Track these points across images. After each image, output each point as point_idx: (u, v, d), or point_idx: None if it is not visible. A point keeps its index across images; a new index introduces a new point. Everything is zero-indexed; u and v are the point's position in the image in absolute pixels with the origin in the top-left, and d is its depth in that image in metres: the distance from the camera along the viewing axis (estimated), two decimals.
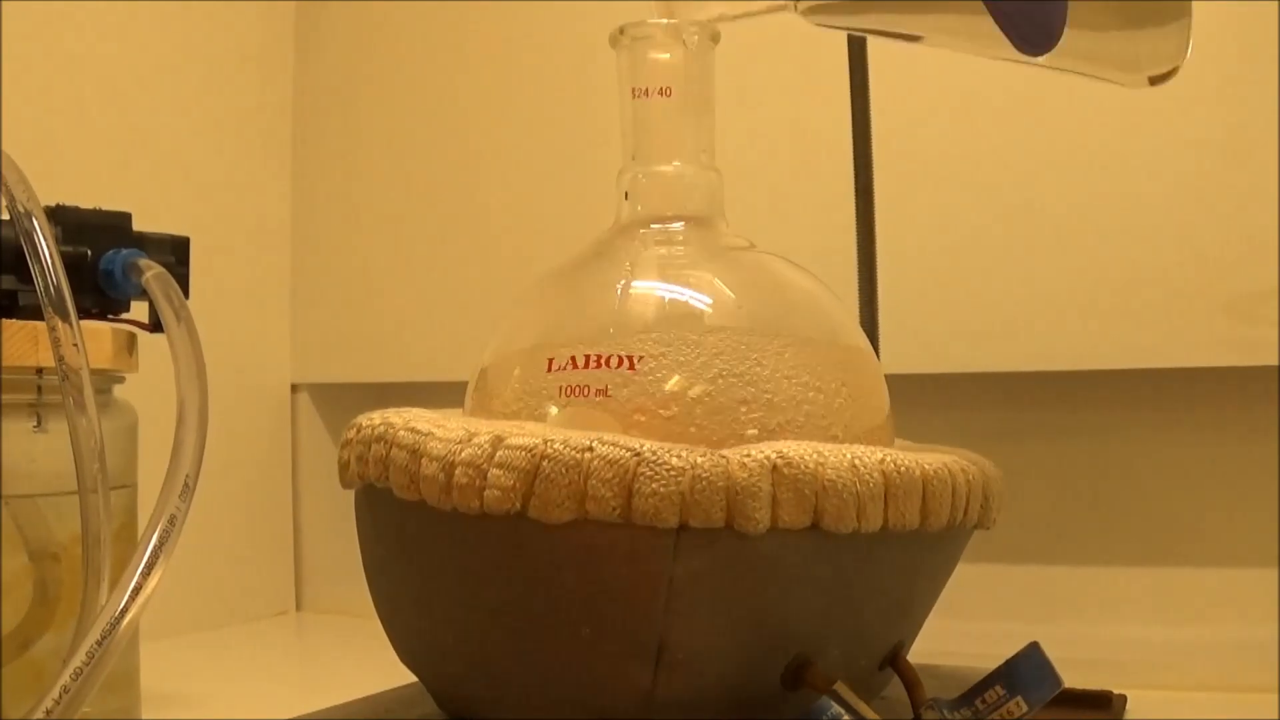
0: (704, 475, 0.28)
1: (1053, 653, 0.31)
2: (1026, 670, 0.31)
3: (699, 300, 0.35)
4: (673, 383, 0.32)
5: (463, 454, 0.30)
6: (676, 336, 0.33)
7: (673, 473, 0.28)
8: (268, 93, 0.74)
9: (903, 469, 0.31)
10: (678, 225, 0.37)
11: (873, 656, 0.35)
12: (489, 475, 0.29)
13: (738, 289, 0.36)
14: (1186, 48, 0.35)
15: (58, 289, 0.33)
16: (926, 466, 0.32)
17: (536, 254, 0.63)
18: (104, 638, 0.28)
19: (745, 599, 0.30)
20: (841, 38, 0.47)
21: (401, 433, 0.32)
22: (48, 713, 0.27)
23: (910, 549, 0.33)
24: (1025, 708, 0.30)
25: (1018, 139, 0.53)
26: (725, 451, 0.29)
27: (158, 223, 0.42)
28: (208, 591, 0.67)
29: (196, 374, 0.33)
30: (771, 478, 0.29)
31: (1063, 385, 0.54)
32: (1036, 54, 0.34)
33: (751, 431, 0.32)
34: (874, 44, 0.47)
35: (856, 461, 0.30)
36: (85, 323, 0.35)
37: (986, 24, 0.34)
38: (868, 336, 0.39)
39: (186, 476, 0.31)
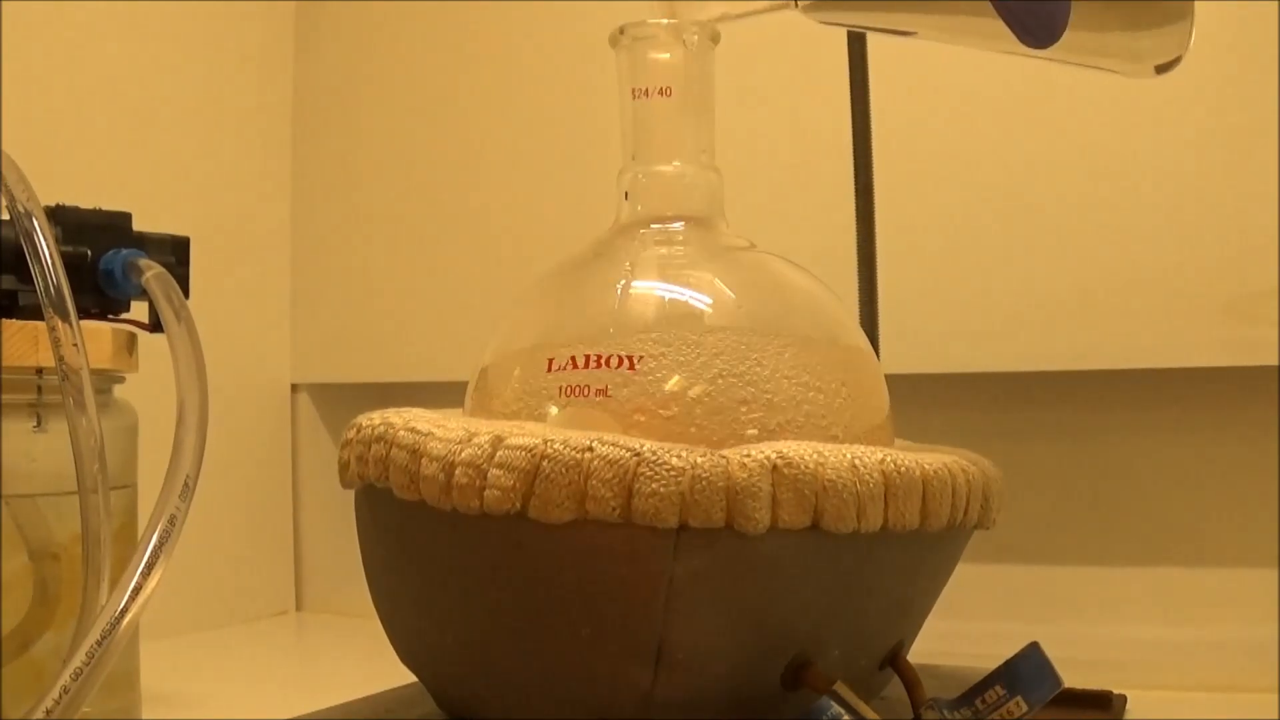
0: (704, 475, 0.28)
1: (1053, 653, 0.31)
2: (1026, 670, 0.31)
3: (699, 300, 0.35)
4: (673, 383, 0.32)
5: (463, 454, 0.30)
6: (676, 336, 0.33)
7: (673, 473, 0.28)
8: (268, 93, 0.74)
9: (903, 469, 0.31)
10: (678, 225, 0.37)
11: (873, 656, 0.35)
12: (489, 475, 0.29)
13: (738, 289, 0.36)
14: (1189, 38, 0.35)
15: (58, 289, 0.33)
16: (926, 466, 0.32)
17: (536, 254, 0.63)
18: (104, 638, 0.28)
19: (745, 599, 0.30)
20: (841, 38, 0.47)
21: (401, 433, 0.32)
22: (48, 713, 0.27)
23: (910, 549, 0.33)
24: (1025, 708, 0.30)
25: (1018, 139, 0.53)
26: (725, 451, 0.29)
27: (158, 223, 0.42)
28: (208, 591, 0.67)
29: (196, 374, 0.33)
30: (771, 478, 0.29)
31: (1063, 385, 0.54)
32: (1041, 48, 0.34)
33: (751, 431, 0.32)
34: (874, 44, 0.47)
35: (856, 461, 0.30)
36: (85, 323, 0.35)
37: (990, 18, 0.34)
38: (868, 336, 0.39)
39: (186, 476, 0.31)
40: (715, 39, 0.37)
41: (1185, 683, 0.51)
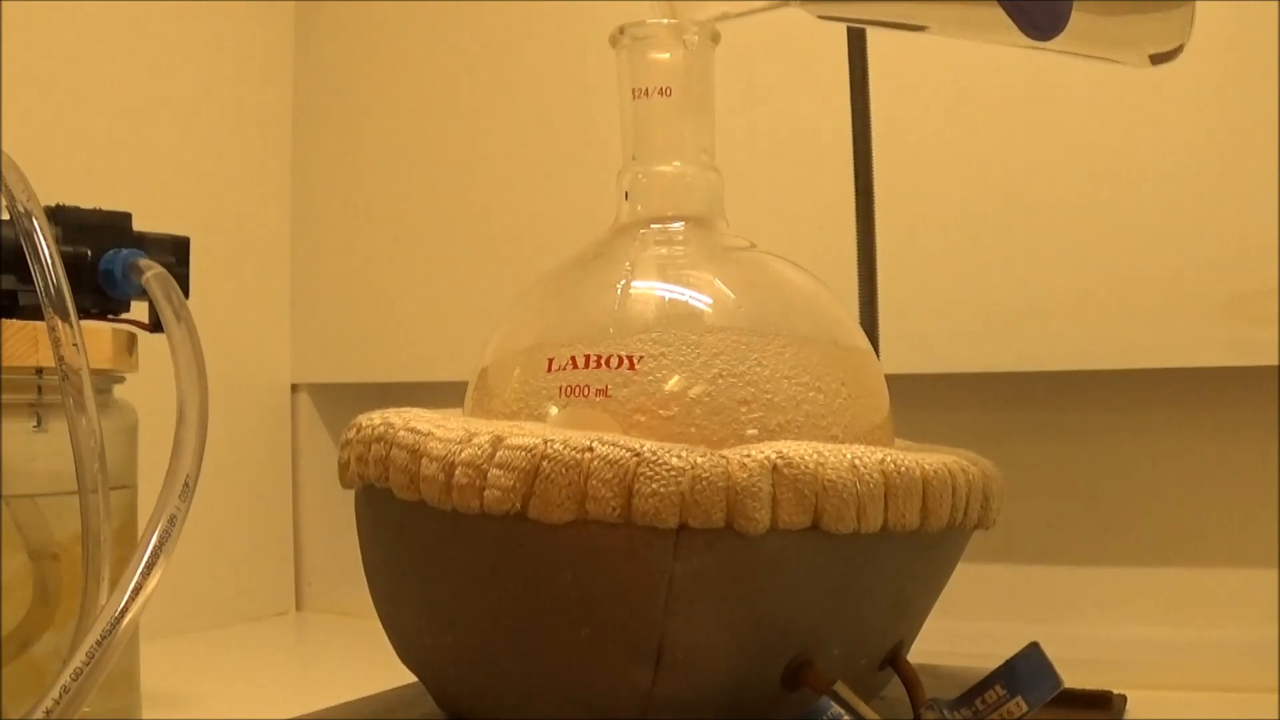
0: (704, 475, 0.28)
1: (1053, 653, 0.31)
2: (1026, 670, 0.31)
3: (699, 300, 0.35)
4: (673, 383, 0.32)
5: (463, 454, 0.30)
6: (676, 336, 0.33)
7: (673, 473, 0.28)
8: (268, 93, 0.74)
9: (903, 469, 0.31)
10: (678, 225, 0.37)
11: (873, 656, 0.35)
12: (489, 475, 0.29)
13: (738, 289, 0.36)
14: (1189, 28, 0.35)
15: (58, 289, 0.33)
16: (926, 466, 0.32)
17: (536, 254, 0.63)
18: (104, 638, 0.28)
19: (745, 599, 0.30)
20: (841, 37, 0.47)
21: (401, 433, 0.32)
22: (48, 713, 0.27)
23: (910, 549, 0.33)
24: (1025, 708, 0.30)
25: (1018, 139, 0.53)
26: (725, 451, 0.29)
27: (158, 223, 0.42)
28: (208, 591, 0.67)
29: (196, 374, 0.33)
30: (771, 478, 0.29)
31: (1063, 385, 0.54)
32: (1044, 40, 0.34)
33: (751, 431, 0.32)
34: (874, 44, 0.47)
35: (856, 461, 0.30)
36: (85, 323, 0.35)
37: (992, 10, 0.34)
38: (868, 336, 0.39)
39: (186, 476, 0.31)
40: (715, 39, 0.37)
41: (1185, 683, 0.51)
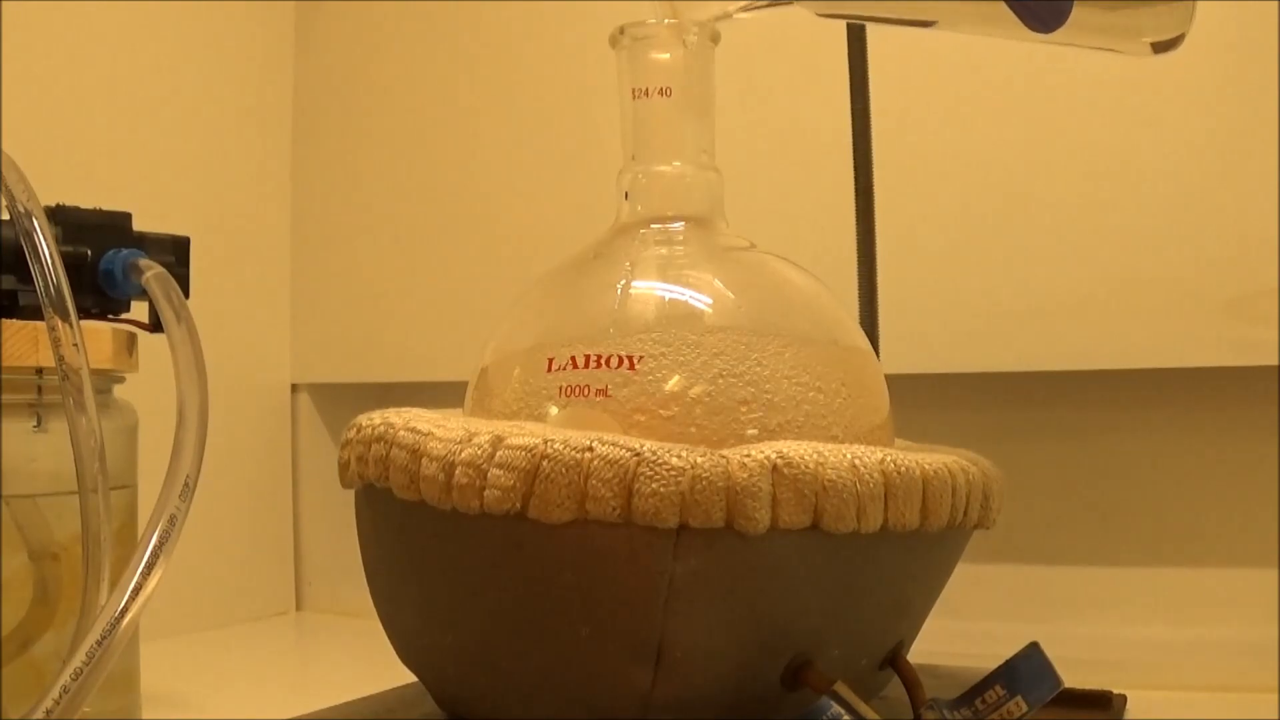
0: (704, 475, 0.28)
1: (1053, 653, 0.31)
2: (1026, 670, 0.31)
3: (699, 300, 0.35)
4: (673, 383, 0.32)
5: (463, 454, 0.30)
6: (676, 336, 0.33)
7: (673, 473, 0.28)
8: (268, 93, 0.74)
9: (903, 469, 0.31)
10: (678, 225, 0.37)
11: (873, 656, 0.35)
12: (489, 475, 0.29)
13: (738, 289, 0.36)
14: (1190, 17, 0.35)
15: (58, 289, 0.33)
16: (926, 466, 0.32)
17: (536, 254, 0.63)
18: (104, 638, 0.28)
19: (745, 599, 0.30)
20: (841, 37, 0.47)
21: (401, 433, 0.32)
22: (48, 713, 0.27)
23: (910, 549, 0.33)
24: (1025, 708, 0.30)
25: (1018, 139, 0.53)
26: (725, 451, 0.29)
27: (158, 223, 0.42)
28: (208, 591, 0.67)
29: (196, 374, 0.33)
30: (771, 478, 0.29)
31: (1063, 385, 0.54)
32: (1046, 32, 0.34)
33: (751, 431, 0.32)
34: (874, 44, 0.47)
35: (856, 461, 0.30)
36: (85, 323, 0.35)
37: (994, 4, 0.34)
38: (868, 336, 0.39)
39: (186, 476, 0.31)
40: (715, 39, 0.37)
41: (1185, 683, 0.51)
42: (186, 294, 0.38)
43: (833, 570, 0.31)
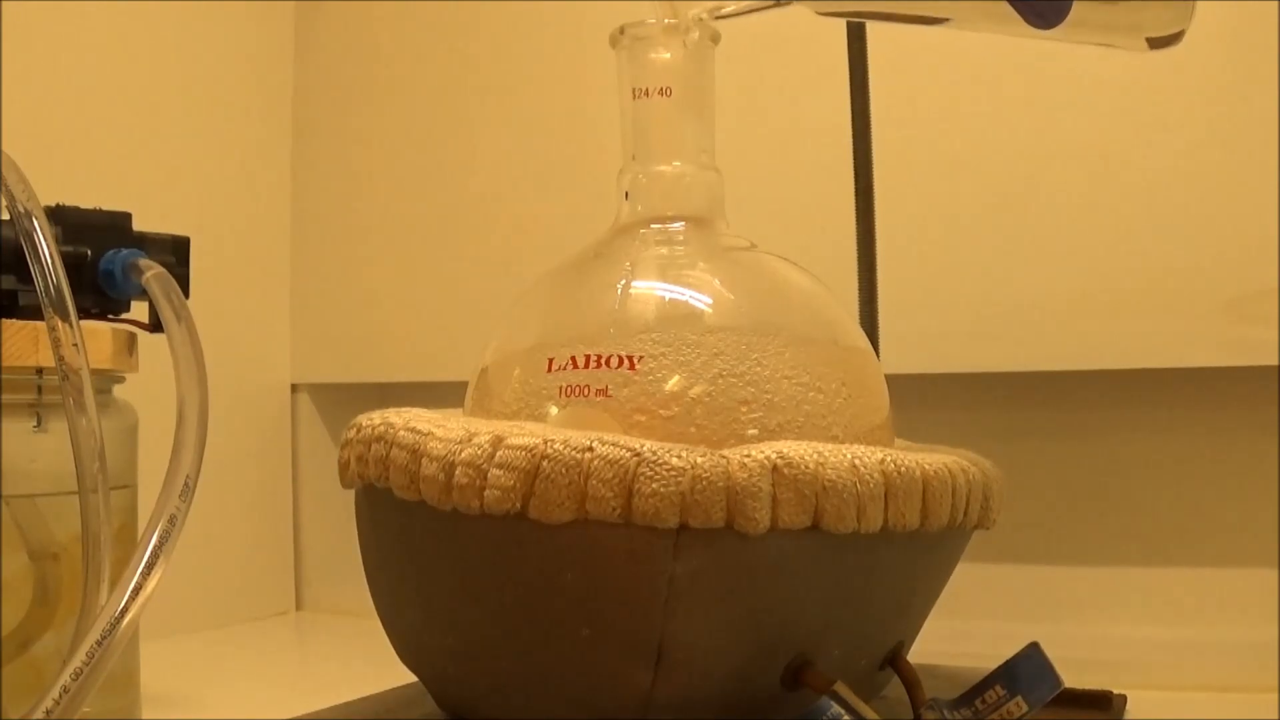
0: (704, 475, 0.28)
1: (1053, 653, 0.31)
2: (1026, 670, 0.31)
3: (699, 300, 0.35)
4: (673, 383, 0.32)
5: (463, 454, 0.30)
6: (676, 336, 0.33)
7: (673, 473, 0.28)
8: (268, 93, 0.74)
9: (903, 469, 0.31)
10: (678, 225, 0.37)
11: (873, 656, 0.35)
12: (489, 475, 0.29)
13: (738, 289, 0.36)
14: (1190, 15, 0.35)
15: (58, 289, 0.33)
16: (927, 466, 0.32)
17: (536, 254, 0.63)
18: (104, 638, 0.28)
19: (745, 599, 0.30)
20: (841, 37, 0.47)
21: (401, 433, 0.32)
22: (48, 713, 0.27)
23: (910, 549, 0.33)
24: (1025, 708, 0.30)
25: (1018, 139, 0.53)
26: (725, 451, 0.29)
27: (158, 223, 0.42)
28: (208, 591, 0.67)
29: (196, 374, 0.33)
30: (772, 478, 0.29)
31: (1063, 385, 0.54)
32: (1047, 28, 0.34)
33: (751, 431, 0.32)
34: (874, 44, 0.47)
35: (857, 461, 0.30)
36: (85, 323, 0.35)
37: (994, 2, 0.34)
38: (868, 336, 0.39)
39: (186, 476, 0.31)
40: (715, 39, 0.37)
41: (1185, 683, 0.51)
42: (186, 294, 0.38)
43: (833, 570, 0.31)
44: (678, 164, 0.37)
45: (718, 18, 0.37)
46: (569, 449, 0.28)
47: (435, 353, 0.68)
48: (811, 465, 0.29)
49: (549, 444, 0.29)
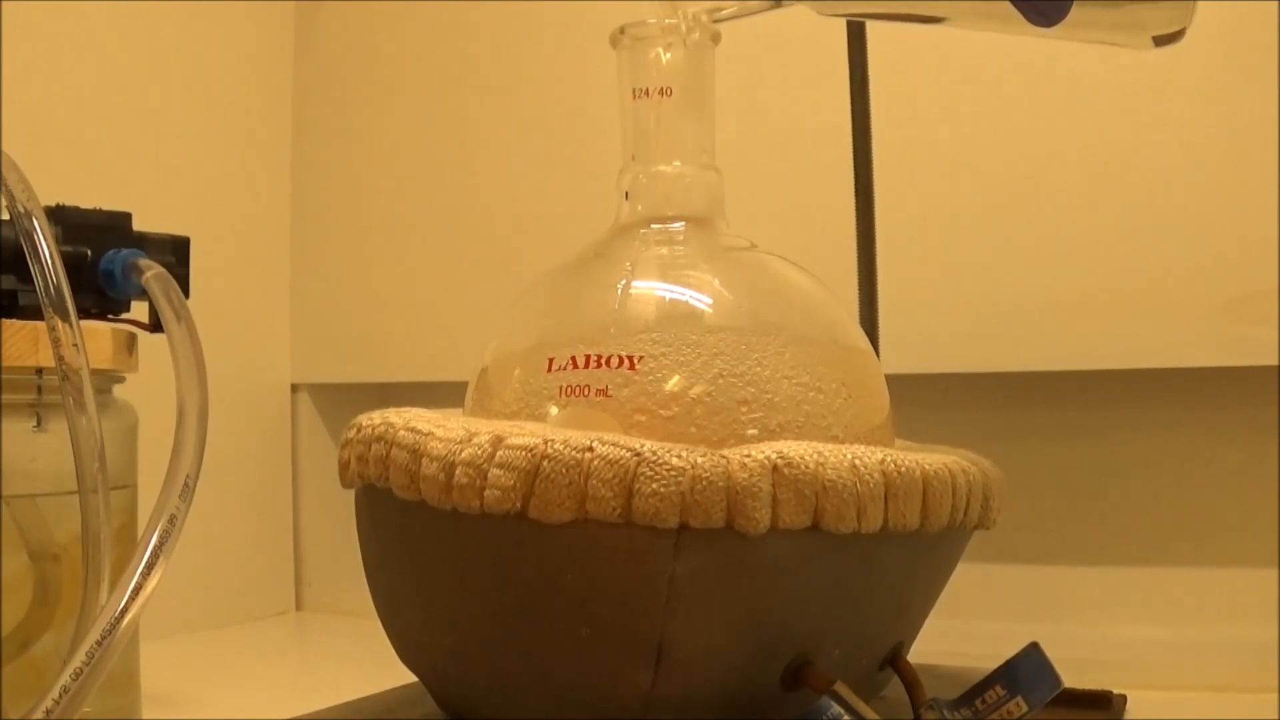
0: (704, 475, 0.28)
1: (1053, 653, 0.31)
2: (1026, 670, 0.31)
3: (699, 300, 0.35)
4: (673, 383, 0.32)
5: (463, 454, 0.30)
6: (676, 336, 0.33)
7: (673, 473, 0.28)
8: (268, 93, 0.74)
9: (903, 469, 0.31)
10: (678, 225, 0.37)
11: (873, 656, 0.35)
12: (489, 475, 0.29)
13: (738, 289, 0.36)
14: (1193, 10, 0.35)
15: (58, 289, 0.33)
16: (927, 466, 0.32)
17: (536, 254, 0.63)
18: (104, 638, 0.28)
19: (745, 599, 0.30)
20: (841, 37, 0.47)
21: (402, 433, 0.32)
22: (48, 713, 0.27)
23: (910, 549, 0.33)
24: (1025, 708, 0.30)
25: (1018, 139, 0.53)
26: (725, 451, 0.29)
27: (158, 223, 0.42)
28: (208, 591, 0.67)
29: (196, 374, 0.33)
30: (772, 478, 0.29)
31: (1063, 385, 0.54)
32: (1048, 26, 0.34)
33: (752, 431, 0.32)
34: (874, 44, 0.47)
35: (857, 462, 0.30)
36: (85, 323, 0.35)
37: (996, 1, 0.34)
38: (868, 336, 0.39)
39: (186, 476, 0.31)
40: (715, 39, 0.37)
41: (1185, 683, 0.51)
42: (186, 294, 0.38)
43: (833, 570, 0.31)
44: (678, 164, 0.37)
45: (717, 19, 0.37)
46: (569, 449, 0.28)
47: (435, 353, 0.68)
48: (811, 465, 0.29)
49: (549, 444, 0.29)
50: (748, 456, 0.29)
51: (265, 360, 0.74)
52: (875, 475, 0.30)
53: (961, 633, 0.50)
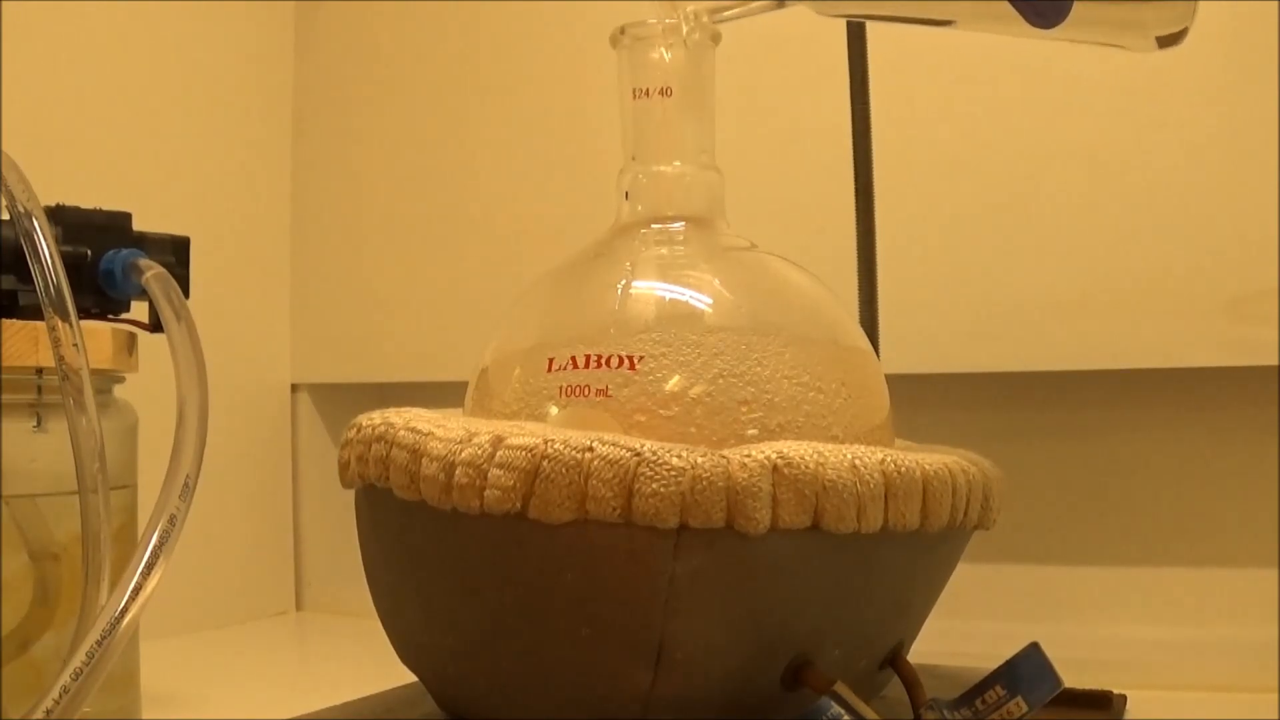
0: (704, 475, 0.28)
1: (1053, 653, 0.31)
2: (1026, 670, 0.31)
3: (699, 300, 0.35)
4: (673, 383, 0.32)
5: (463, 454, 0.30)
6: (677, 336, 0.33)
7: (673, 473, 0.28)
8: (268, 93, 0.74)
9: (903, 469, 0.31)
10: (678, 225, 0.37)
11: (873, 656, 0.35)
12: (489, 475, 0.29)
13: (738, 289, 0.36)
14: (1194, 10, 0.35)
15: (58, 289, 0.33)
16: (927, 466, 0.32)
17: (536, 254, 0.63)
18: (104, 638, 0.28)
19: (745, 599, 0.30)
20: (841, 37, 0.47)
21: (402, 433, 0.32)
22: (48, 713, 0.27)
23: (910, 549, 0.33)
24: (1025, 708, 0.30)
25: (1018, 139, 0.53)
26: (725, 451, 0.29)
27: (158, 223, 0.42)
28: (208, 591, 0.67)
29: (196, 374, 0.33)
30: (772, 478, 0.29)
31: (1063, 385, 0.54)
32: (1048, 27, 0.34)
33: (752, 431, 0.32)
34: (874, 44, 0.47)
35: (857, 461, 0.30)
36: (85, 323, 0.35)
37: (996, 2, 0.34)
38: (868, 336, 0.39)
39: (186, 476, 0.31)
40: (715, 39, 0.37)
41: (1185, 683, 0.51)
42: (186, 294, 0.38)
43: (833, 570, 0.31)
44: (678, 164, 0.37)
45: (719, 20, 0.37)
46: (569, 449, 0.28)
47: (435, 353, 0.68)
48: (811, 465, 0.29)
49: (549, 444, 0.29)
50: (748, 456, 0.29)
51: (265, 360, 0.74)
52: (875, 475, 0.30)
53: (961, 633, 0.50)
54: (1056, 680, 0.30)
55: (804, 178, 0.57)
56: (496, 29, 0.68)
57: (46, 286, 0.33)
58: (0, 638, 0.37)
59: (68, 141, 0.61)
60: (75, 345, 0.33)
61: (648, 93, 0.37)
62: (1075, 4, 0.34)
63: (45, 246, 0.34)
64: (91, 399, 0.33)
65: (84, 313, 0.39)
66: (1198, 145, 0.50)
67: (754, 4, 0.38)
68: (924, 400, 0.51)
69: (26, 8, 0.58)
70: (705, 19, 0.37)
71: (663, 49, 0.36)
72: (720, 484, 0.28)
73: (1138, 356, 0.51)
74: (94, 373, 0.34)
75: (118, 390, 0.43)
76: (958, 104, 0.54)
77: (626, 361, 0.32)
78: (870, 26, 0.47)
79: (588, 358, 0.33)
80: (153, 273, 0.37)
